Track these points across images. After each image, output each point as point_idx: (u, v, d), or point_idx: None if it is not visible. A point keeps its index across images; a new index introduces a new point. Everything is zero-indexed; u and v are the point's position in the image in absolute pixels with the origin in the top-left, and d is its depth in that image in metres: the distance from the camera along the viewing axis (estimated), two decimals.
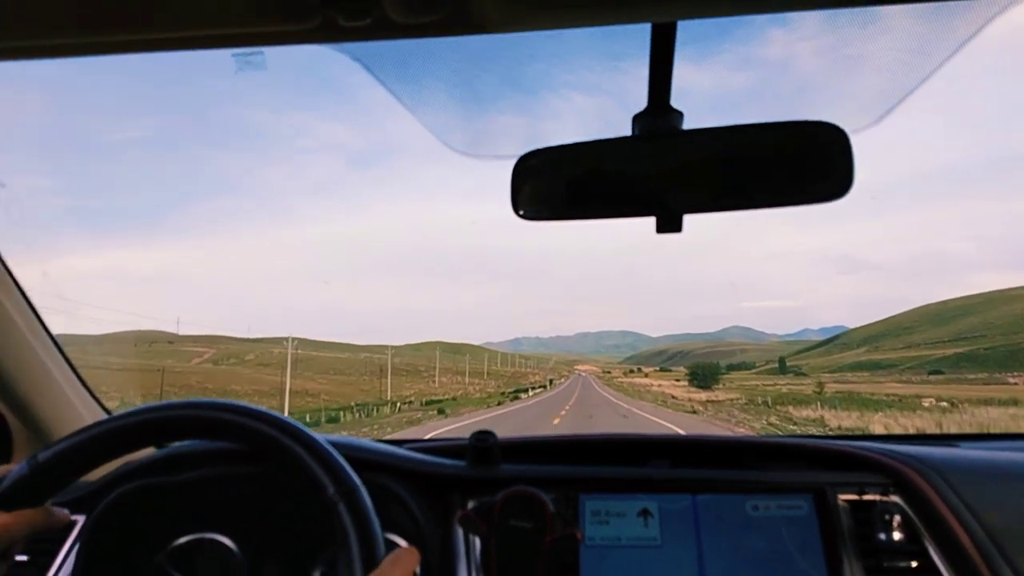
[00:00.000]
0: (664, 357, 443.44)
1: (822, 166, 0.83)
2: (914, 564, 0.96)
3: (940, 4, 0.74)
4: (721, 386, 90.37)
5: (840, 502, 1.02)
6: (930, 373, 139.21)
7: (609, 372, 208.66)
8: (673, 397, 57.71)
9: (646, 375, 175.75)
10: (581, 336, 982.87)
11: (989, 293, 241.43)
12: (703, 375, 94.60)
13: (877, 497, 1.03)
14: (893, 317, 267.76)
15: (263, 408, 0.86)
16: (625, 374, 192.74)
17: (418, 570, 0.79)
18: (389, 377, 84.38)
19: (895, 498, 1.02)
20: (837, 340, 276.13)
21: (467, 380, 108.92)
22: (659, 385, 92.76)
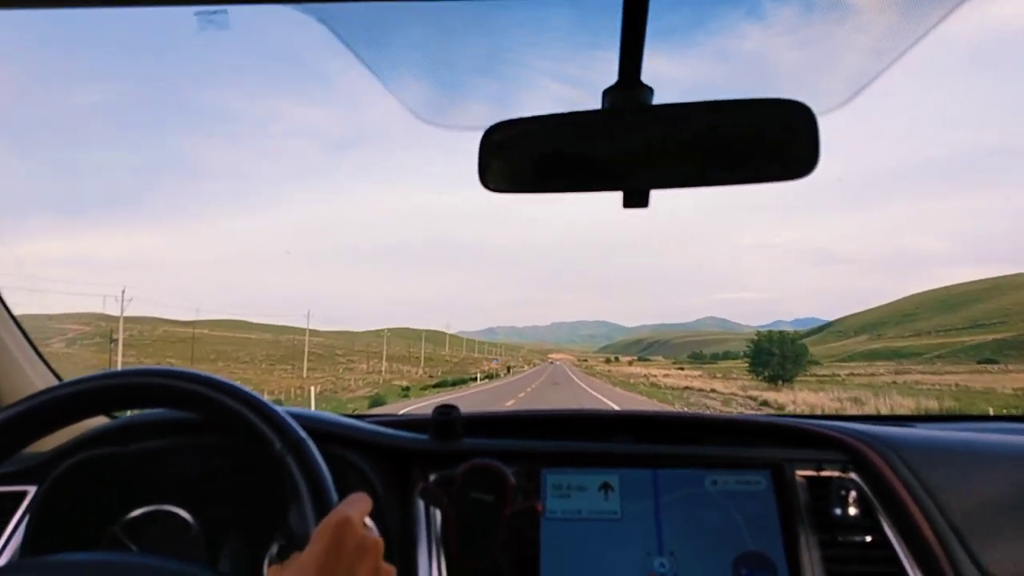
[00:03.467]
0: (641, 346, 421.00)
1: (788, 144, 0.82)
2: (868, 539, 0.96)
3: None
4: (810, 379, 55.89)
5: (797, 478, 1.02)
6: (980, 362, 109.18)
7: (586, 360, 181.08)
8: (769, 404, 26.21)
9: (629, 363, 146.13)
10: (556, 326, 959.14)
11: (995, 279, 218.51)
12: (782, 359, 52.44)
13: (834, 474, 1.03)
14: (889, 304, 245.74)
15: (204, 372, 0.84)
16: (606, 362, 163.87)
17: (369, 521, 0.75)
18: (120, 357, 51.37)
19: (852, 475, 1.02)
20: (830, 328, 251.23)
21: (384, 367, 77.04)
22: (665, 375, 60.61)
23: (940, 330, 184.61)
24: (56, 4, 0.60)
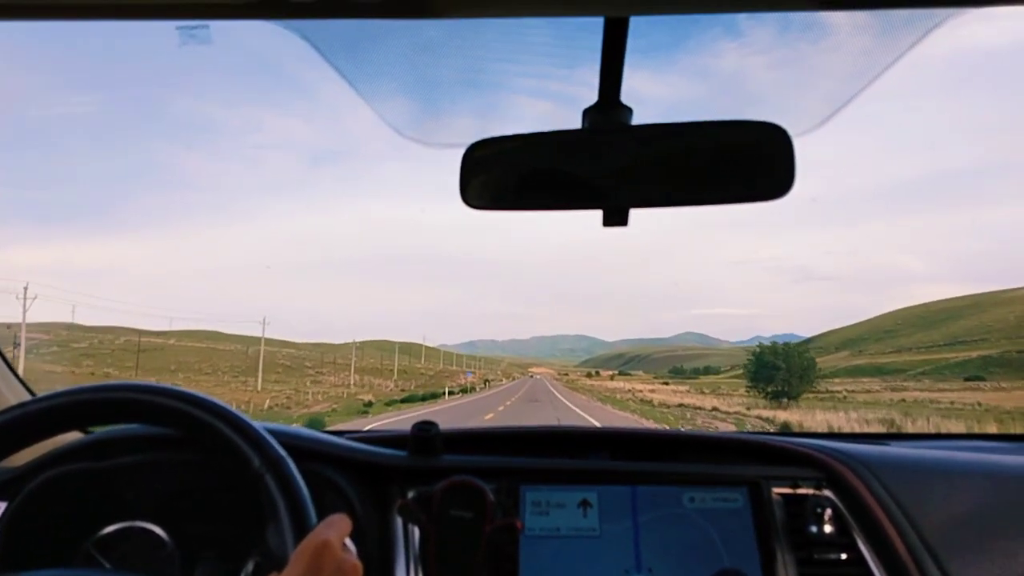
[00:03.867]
0: (622, 361, 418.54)
1: (764, 165, 0.84)
2: (843, 556, 0.97)
3: (883, 17, 0.76)
4: (808, 396, 48.23)
5: (774, 495, 1.03)
6: (967, 379, 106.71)
7: (567, 374, 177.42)
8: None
9: (611, 378, 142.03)
10: (536, 340, 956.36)
11: (975, 296, 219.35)
12: (787, 374, 45.02)
13: (810, 491, 1.04)
14: (869, 320, 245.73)
15: (181, 388, 0.84)
16: (587, 376, 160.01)
17: (348, 542, 0.75)
18: (21, 364, 45.81)
19: (827, 492, 1.03)
20: (811, 343, 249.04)
21: (353, 379, 72.40)
22: (652, 391, 56.43)
23: (922, 347, 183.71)
24: (34, 16, 0.59)
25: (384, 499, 1.04)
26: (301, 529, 0.73)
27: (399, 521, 1.01)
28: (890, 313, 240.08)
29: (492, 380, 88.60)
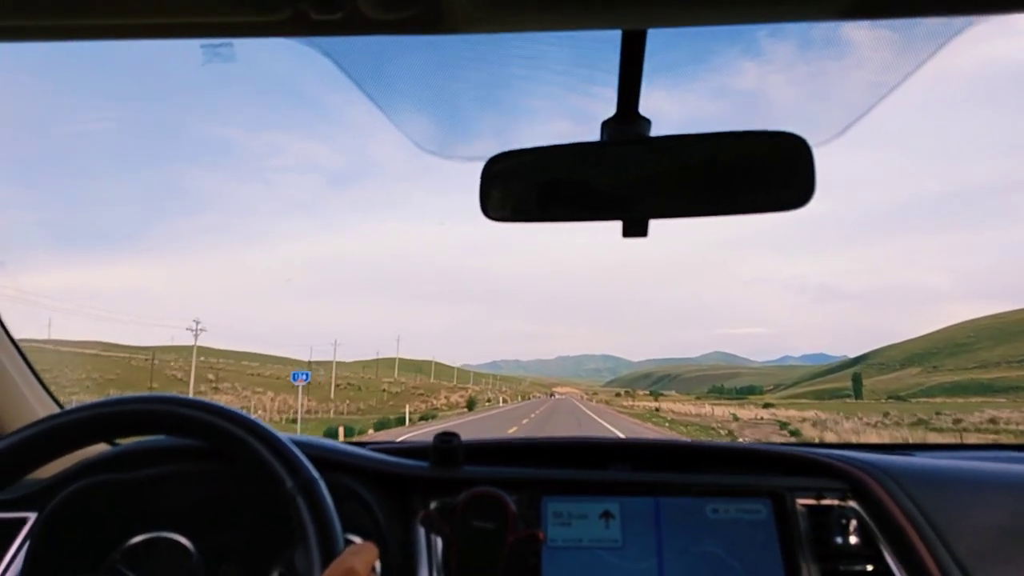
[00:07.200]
0: (650, 380, 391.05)
1: (784, 175, 0.82)
2: (870, 568, 0.94)
3: (901, 29, 0.75)
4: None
5: (798, 506, 1.00)
6: None
7: (596, 394, 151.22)
8: None
9: (656, 399, 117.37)
10: (561, 360, 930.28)
11: None
12: None
13: (835, 502, 1.01)
14: (929, 335, 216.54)
15: (217, 402, 0.83)
16: (617, 396, 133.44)
17: (378, 566, 0.76)
18: None
19: (852, 503, 1.01)
20: (867, 360, 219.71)
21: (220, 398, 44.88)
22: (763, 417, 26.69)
23: (1013, 360, 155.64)
24: (56, 37, 0.59)
25: (406, 510, 1.03)
26: (328, 554, 0.73)
27: (422, 532, 1.00)
28: (957, 326, 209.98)
29: (490, 400, 60.43)
